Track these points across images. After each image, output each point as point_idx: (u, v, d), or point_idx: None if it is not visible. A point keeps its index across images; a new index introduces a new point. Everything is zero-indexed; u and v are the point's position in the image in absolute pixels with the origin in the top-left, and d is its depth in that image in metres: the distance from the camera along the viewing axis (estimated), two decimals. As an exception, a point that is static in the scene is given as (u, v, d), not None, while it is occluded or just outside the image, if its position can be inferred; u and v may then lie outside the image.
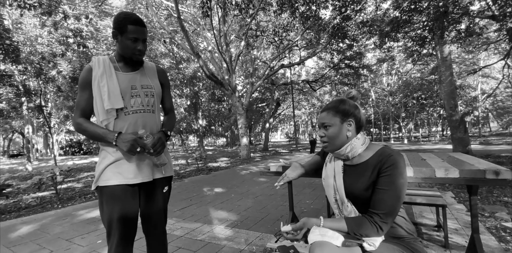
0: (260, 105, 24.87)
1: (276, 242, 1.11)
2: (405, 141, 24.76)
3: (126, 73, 1.25)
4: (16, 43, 7.61)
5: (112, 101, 1.16)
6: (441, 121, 31.34)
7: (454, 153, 1.98)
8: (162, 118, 1.46)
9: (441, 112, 26.11)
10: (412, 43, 9.32)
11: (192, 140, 43.90)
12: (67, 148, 30.64)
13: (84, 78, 1.20)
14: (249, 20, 11.33)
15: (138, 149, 1.13)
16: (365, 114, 1.10)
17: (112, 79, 1.19)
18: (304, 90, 23.61)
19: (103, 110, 1.17)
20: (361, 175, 1.01)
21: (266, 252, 1.24)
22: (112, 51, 11.81)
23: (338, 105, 1.05)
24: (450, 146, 13.66)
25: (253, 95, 19.08)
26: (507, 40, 7.99)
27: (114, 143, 1.13)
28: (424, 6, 7.13)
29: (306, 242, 0.99)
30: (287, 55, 17.42)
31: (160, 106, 1.45)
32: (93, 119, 1.30)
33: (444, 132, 34.76)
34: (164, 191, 1.35)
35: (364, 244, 0.93)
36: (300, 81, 20.62)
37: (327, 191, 1.12)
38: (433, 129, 38.21)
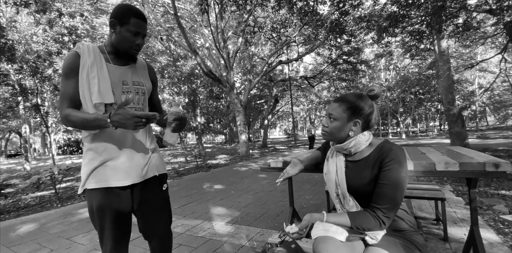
0: (258, 102, 24.84)
1: (281, 242, 1.11)
2: (403, 136, 24.85)
3: (118, 67, 1.15)
4: (11, 42, 7.52)
5: (102, 95, 1.06)
6: (438, 115, 31.49)
7: (453, 147, 1.99)
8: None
9: (439, 106, 26.23)
10: (410, 38, 9.30)
11: (191, 138, 43.87)
12: (65, 147, 30.58)
13: (71, 64, 1.06)
14: (246, 16, 11.25)
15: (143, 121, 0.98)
16: (378, 117, 1.06)
17: (103, 71, 1.09)
18: (302, 86, 23.59)
19: (91, 104, 1.06)
20: (363, 170, 1.01)
21: (267, 248, 1.24)
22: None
23: (354, 100, 1.01)
24: (448, 141, 13.73)
25: (251, 92, 19.01)
26: (504, 34, 8.00)
27: (114, 128, 0.99)
28: (422, 1, 7.10)
29: (308, 237, 0.99)
30: (285, 51, 17.35)
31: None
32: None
33: (442, 127, 34.96)
34: (164, 188, 1.30)
35: (366, 238, 0.94)
36: (298, 77, 20.58)
37: (329, 186, 1.12)
38: (431, 124, 38.41)
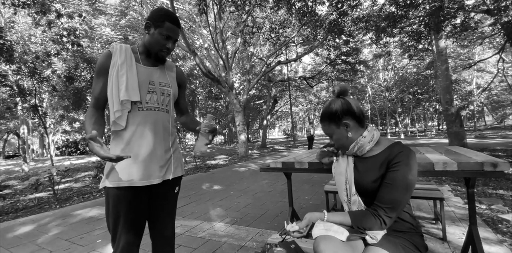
0: (257, 102, 24.86)
1: (282, 241, 1.12)
2: (402, 136, 24.92)
3: (146, 67, 1.20)
4: (9, 42, 7.50)
5: (130, 92, 1.10)
6: (437, 115, 31.60)
7: (451, 147, 2.00)
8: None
9: (437, 106, 26.32)
10: (408, 38, 9.33)
11: (190, 138, 43.83)
12: (64, 148, 30.49)
13: (102, 64, 1.12)
14: (245, 16, 11.26)
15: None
16: (359, 103, 1.06)
17: (132, 70, 1.13)
18: (301, 86, 23.62)
19: (118, 101, 1.10)
20: (371, 168, 1.02)
21: (266, 248, 1.25)
22: (107, 49, 11.66)
23: (326, 111, 1.06)
24: (446, 140, 13.79)
25: (250, 92, 19.02)
26: (501, 34, 8.03)
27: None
28: (420, 1, 7.13)
29: (308, 236, 0.99)
30: (283, 51, 17.37)
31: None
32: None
33: (440, 127, 35.06)
34: (176, 191, 1.30)
35: (367, 237, 0.94)
36: (297, 78, 20.62)
37: (338, 179, 1.12)
38: (429, 124, 38.52)
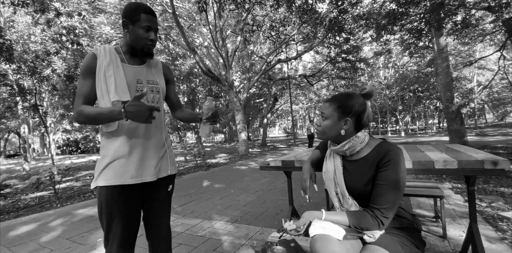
0: (257, 100, 24.80)
1: (280, 238, 1.12)
2: (402, 134, 24.89)
3: (133, 66, 1.19)
4: (9, 42, 7.48)
5: (119, 93, 1.09)
6: (437, 113, 31.54)
7: (451, 145, 1.99)
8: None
9: (438, 104, 26.25)
10: (408, 35, 9.29)
11: (190, 137, 43.85)
12: (64, 147, 30.56)
13: (89, 64, 1.12)
14: (245, 14, 11.21)
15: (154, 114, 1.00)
16: (372, 115, 1.05)
17: (119, 70, 1.13)
18: (302, 84, 23.55)
19: (109, 102, 1.09)
20: (361, 170, 1.01)
21: (267, 246, 1.25)
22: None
23: (344, 99, 1.01)
24: (446, 138, 13.76)
25: (250, 90, 19.00)
26: (502, 31, 7.98)
27: (126, 119, 0.99)
28: (421, -2, 7.08)
29: (306, 235, 0.99)
30: (283, 49, 17.30)
31: (165, 103, 1.39)
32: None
33: (441, 124, 35.00)
34: (169, 189, 1.30)
35: (364, 236, 0.94)
36: (297, 76, 20.56)
37: (328, 184, 1.12)
38: (430, 122, 38.48)
